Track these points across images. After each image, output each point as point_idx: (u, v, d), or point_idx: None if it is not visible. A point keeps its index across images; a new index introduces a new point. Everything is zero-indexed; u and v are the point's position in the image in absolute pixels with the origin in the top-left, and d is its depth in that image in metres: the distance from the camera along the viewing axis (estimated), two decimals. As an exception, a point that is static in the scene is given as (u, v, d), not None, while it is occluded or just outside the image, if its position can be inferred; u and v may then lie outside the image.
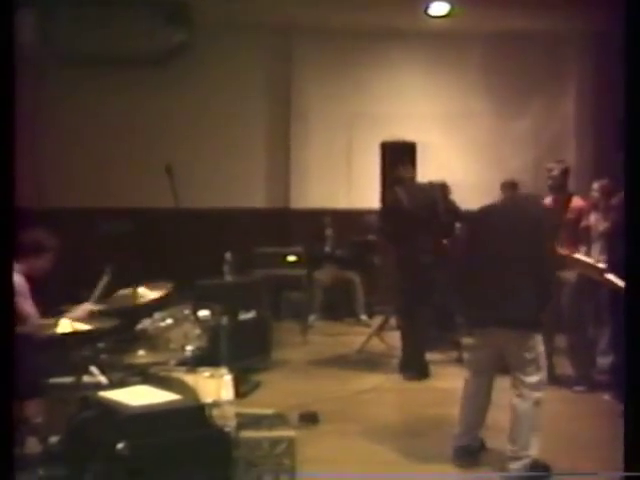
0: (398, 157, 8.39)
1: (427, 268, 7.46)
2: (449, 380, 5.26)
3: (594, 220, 7.06)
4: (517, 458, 4.89)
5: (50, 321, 4.85)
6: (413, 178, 7.89)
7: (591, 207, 7.11)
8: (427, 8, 10.12)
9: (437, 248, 7.70)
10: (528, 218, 5.12)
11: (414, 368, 7.53)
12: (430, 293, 7.61)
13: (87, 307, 5.23)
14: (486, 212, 5.33)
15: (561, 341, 7.22)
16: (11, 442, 3.44)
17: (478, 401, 5.20)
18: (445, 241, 8.18)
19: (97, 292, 5.41)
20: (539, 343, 5.02)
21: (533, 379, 4.96)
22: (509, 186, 9.26)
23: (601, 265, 6.23)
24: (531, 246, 4.94)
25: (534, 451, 4.91)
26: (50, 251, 5.40)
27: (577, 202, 7.12)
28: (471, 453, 5.20)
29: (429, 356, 7.73)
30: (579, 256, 6.54)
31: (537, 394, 4.97)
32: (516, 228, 5.00)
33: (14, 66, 3.45)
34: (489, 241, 5.08)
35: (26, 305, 5.15)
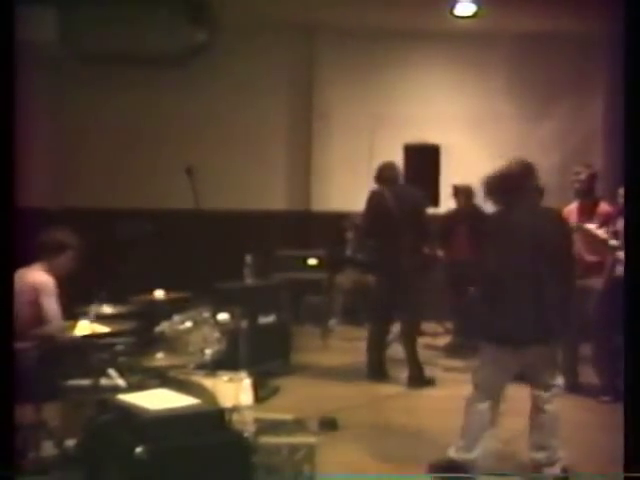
0: (421, 160, 8.30)
1: (408, 272, 7.35)
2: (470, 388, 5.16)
3: (621, 226, 6.94)
4: (551, 463, 4.86)
5: (68, 323, 4.82)
6: (397, 179, 7.68)
7: (618, 213, 6.98)
8: (452, 8, 10.04)
9: (422, 254, 7.59)
10: (549, 229, 4.89)
11: (382, 374, 7.56)
12: (410, 299, 7.49)
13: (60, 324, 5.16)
14: (505, 223, 5.01)
15: (586, 350, 7.12)
16: (12, 443, 3.38)
17: (483, 418, 4.96)
18: (427, 249, 7.99)
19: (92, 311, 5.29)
20: (555, 353, 4.99)
21: (558, 383, 4.95)
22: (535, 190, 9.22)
23: (613, 242, 6.09)
24: (554, 257, 4.78)
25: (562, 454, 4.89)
26: (71, 249, 5.43)
27: (604, 207, 7.00)
28: (464, 469, 5.00)
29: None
30: (590, 227, 6.42)
31: (554, 402, 4.94)
32: (539, 240, 4.78)
33: (14, 66, 3.39)
34: (511, 254, 4.81)
35: (51, 305, 5.13)
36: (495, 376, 4.91)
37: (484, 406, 4.92)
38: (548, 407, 4.93)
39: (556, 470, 4.85)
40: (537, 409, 4.96)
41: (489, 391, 4.93)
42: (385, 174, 7.58)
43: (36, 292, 5.16)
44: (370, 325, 7.87)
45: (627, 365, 3.40)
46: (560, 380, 5.01)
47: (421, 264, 7.46)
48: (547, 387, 4.92)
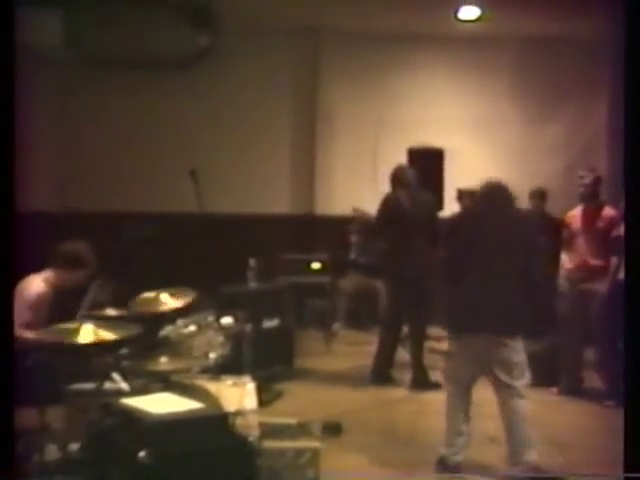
0: (425, 163, 8.27)
1: (419, 276, 7.36)
2: (480, 391, 5.16)
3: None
4: (519, 462, 4.86)
5: (71, 327, 4.80)
6: (412, 182, 7.65)
7: (622, 217, 6.97)
8: (457, 12, 10.03)
9: (432, 258, 7.59)
10: (515, 223, 5.14)
11: (385, 377, 7.58)
12: (422, 304, 7.50)
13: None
14: (472, 217, 5.39)
15: (590, 354, 7.10)
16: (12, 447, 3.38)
17: (460, 412, 5.11)
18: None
19: (85, 304, 5.26)
20: (522, 347, 5.02)
21: (522, 382, 4.97)
22: (538, 195, 9.23)
23: None
24: (519, 250, 4.95)
25: (534, 455, 4.87)
26: (88, 268, 5.33)
27: (608, 212, 6.99)
28: (454, 464, 5.10)
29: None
30: None
31: (525, 398, 4.97)
32: (504, 233, 5.01)
33: (14, 67, 3.39)
34: (476, 245, 5.02)
35: (18, 316, 5.02)
36: (461, 367, 5.08)
37: (456, 399, 5.08)
38: (509, 406, 4.92)
39: (518, 470, 4.83)
40: (500, 407, 4.99)
41: (457, 382, 5.10)
42: (400, 177, 7.57)
43: (28, 302, 5.10)
44: (382, 329, 7.86)
45: (627, 368, 3.40)
46: (524, 379, 4.98)
47: (430, 268, 7.45)
48: (511, 387, 4.93)
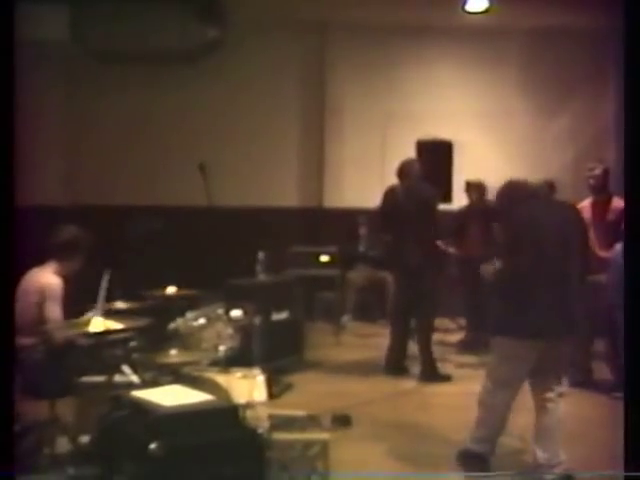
0: (434, 156, 8.26)
1: (418, 269, 7.36)
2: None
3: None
4: (552, 466, 4.79)
5: (82, 320, 4.82)
6: (412, 175, 7.61)
7: (631, 209, 6.95)
8: (465, 4, 10.00)
9: (432, 250, 7.58)
10: (570, 224, 4.91)
11: (398, 368, 7.58)
12: (424, 296, 7.49)
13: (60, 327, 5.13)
14: (533, 217, 4.94)
15: (599, 346, 7.09)
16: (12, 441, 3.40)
17: (503, 412, 4.97)
18: (440, 243, 8.07)
19: (100, 302, 5.25)
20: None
21: (566, 384, 4.91)
22: (547, 187, 9.20)
23: None
24: (573, 251, 4.79)
25: (564, 457, 4.83)
26: (84, 250, 5.38)
27: (618, 203, 6.97)
28: (482, 460, 5.01)
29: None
30: None
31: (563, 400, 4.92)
32: (562, 235, 4.80)
33: (14, 65, 3.40)
34: (545, 249, 4.76)
35: (53, 309, 5.10)
36: (514, 371, 4.87)
37: (501, 400, 4.91)
38: (552, 407, 4.87)
39: (556, 473, 4.78)
40: (541, 409, 4.91)
41: (507, 386, 4.90)
42: (401, 170, 7.61)
43: (41, 295, 5.14)
44: (391, 321, 7.87)
45: (627, 363, 3.38)
46: (566, 382, 4.93)
47: (431, 260, 7.46)
48: (553, 387, 4.87)
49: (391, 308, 8.02)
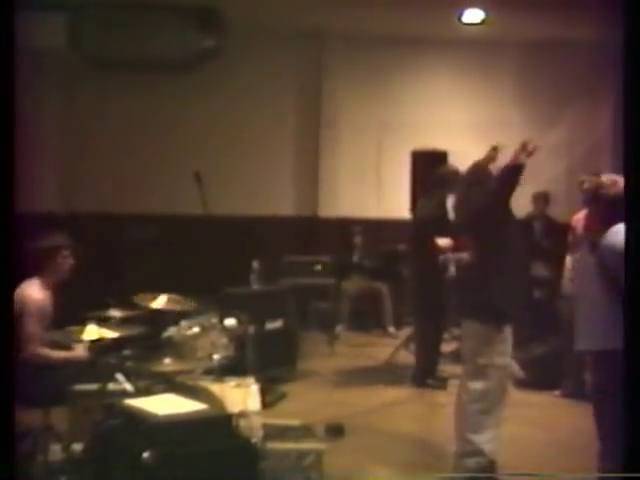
0: (429, 166, 8.26)
1: (421, 275, 7.46)
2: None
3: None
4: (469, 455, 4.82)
5: (76, 328, 4.81)
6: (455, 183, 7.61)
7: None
8: (461, 15, 10.03)
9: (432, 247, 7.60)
10: None
11: (428, 379, 7.51)
12: (422, 302, 7.54)
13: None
14: None
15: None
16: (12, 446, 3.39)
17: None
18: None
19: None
20: None
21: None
22: (541, 198, 9.23)
23: None
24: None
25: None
26: (63, 249, 5.20)
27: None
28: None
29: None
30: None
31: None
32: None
33: (14, 68, 3.40)
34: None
35: (27, 325, 4.97)
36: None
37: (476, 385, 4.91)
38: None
39: (472, 464, 4.77)
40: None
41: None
42: (448, 175, 7.59)
43: (20, 308, 4.95)
44: (419, 327, 7.83)
45: (627, 365, 3.39)
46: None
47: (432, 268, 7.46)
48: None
49: (417, 311, 7.95)
